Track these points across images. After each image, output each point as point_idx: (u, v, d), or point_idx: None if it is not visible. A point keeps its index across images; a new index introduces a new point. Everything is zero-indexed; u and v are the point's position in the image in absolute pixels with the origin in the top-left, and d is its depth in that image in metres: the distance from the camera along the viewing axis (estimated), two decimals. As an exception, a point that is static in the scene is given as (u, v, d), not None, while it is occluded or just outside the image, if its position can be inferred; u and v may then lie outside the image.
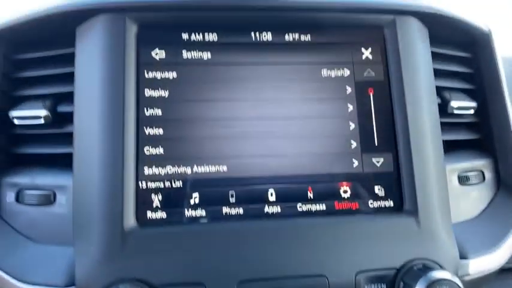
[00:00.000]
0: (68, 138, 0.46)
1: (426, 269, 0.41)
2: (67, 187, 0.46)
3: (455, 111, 0.56)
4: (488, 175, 0.57)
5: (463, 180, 0.54)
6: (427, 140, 0.47)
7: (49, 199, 0.46)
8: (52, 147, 0.49)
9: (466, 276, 0.46)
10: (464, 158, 0.57)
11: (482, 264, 0.47)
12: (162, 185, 0.43)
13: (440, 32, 0.55)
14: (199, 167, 0.44)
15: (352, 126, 0.47)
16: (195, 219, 0.43)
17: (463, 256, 0.46)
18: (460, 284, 0.38)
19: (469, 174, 0.55)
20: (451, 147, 0.56)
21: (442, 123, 0.51)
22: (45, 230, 0.46)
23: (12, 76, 0.51)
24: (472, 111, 0.58)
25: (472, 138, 0.59)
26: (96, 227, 0.41)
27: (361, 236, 0.43)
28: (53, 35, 0.50)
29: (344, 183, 0.46)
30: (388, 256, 0.43)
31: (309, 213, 0.45)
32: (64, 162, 0.48)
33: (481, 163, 0.57)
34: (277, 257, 0.42)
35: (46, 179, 0.47)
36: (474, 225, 0.53)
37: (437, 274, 0.39)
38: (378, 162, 0.47)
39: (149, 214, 0.43)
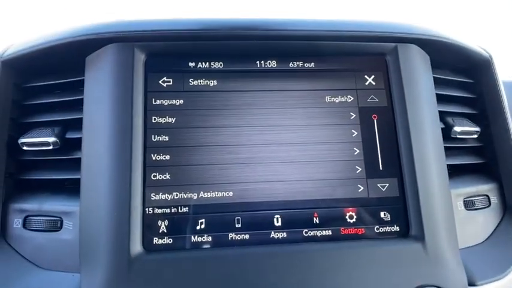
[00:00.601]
0: (75, 165, 0.47)
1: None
2: (74, 213, 0.46)
3: (459, 136, 0.56)
4: (494, 199, 0.57)
5: (468, 205, 0.54)
6: (431, 164, 0.47)
7: (56, 225, 0.47)
8: (60, 173, 0.49)
9: (474, 304, 0.46)
10: (469, 182, 0.57)
11: (491, 291, 0.47)
12: (168, 211, 0.44)
13: (441, 58, 0.56)
14: (205, 193, 0.44)
15: (357, 151, 0.47)
16: (200, 245, 0.43)
17: (471, 283, 0.46)
18: None
19: (475, 199, 0.55)
20: (455, 172, 0.56)
21: (446, 148, 0.51)
22: (51, 256, 0.46)
23: (22, 103, 0.52)
24: (475, 136, 0.58)
25: (477, 162, 0.59)
26: (103, 252, 0.41)
27: (367, 262, 0.43)
28: (62, 63, 0.52)
29: (350, 208, 0.46)
30: (396, 283, 0.42)
31: (314, 239, 0.45)
32: (71, 188, 0.49)
33: (486, 187, 0.57)
34: (283, 283, 0.41)
35: (53, 205, 0.48)
36: (481, 251, 0.52)
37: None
38: (383, 187, 0.47)
39: (155, 240, 0.43)
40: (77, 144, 0.48)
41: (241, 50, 0.49)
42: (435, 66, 0.55)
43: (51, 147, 0.49)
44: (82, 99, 0.48)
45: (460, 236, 0.48)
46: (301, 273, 0.42)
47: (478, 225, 0.54)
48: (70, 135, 0.50)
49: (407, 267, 0.43)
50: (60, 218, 0.47)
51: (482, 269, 0.48)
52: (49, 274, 0.45)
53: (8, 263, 0.46)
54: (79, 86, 0.50)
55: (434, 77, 0.54)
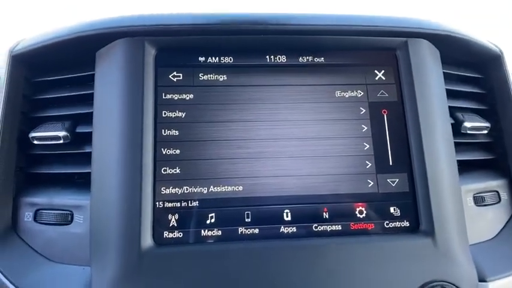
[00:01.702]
0: (86, 159, 0.47)
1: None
2: (84, 207, 0.46)
3: (469, 132, 0.56)
4: (504, 195, 0.56)
5: (478, 201, 0.54)
6: (441, 159, 0.47)
7: (66, 219, 0.47)
8: (70, 167, 0.50)
9: (484, 300, 0.45)
10: (479, 178, 0.56)
11: (501, 287, 0.46)
12: (178, 205, 0.44)
13: (452, 53, 0.56)
14: (215, 187, 0.44)
15: (367, 146, 0.47)
16: (210, 239, 0.43)
17: (481, 279, 0.46)
18: None
19: (485, 195, 0.55)
20: (465, 168, 0.56)
21: (456, 144, 0.51)
22: (62, 249, 0.47)
23: (33, 98, 0.53)
24: (485, 132, 0.58)
25: (486, 158, 0.59)
26: (114, 246, 0.41)
27: (376, 256, 0.43)
28: (72, 58, 0.52)
29: (359, 203, 0.46)
30: (406, 278, 0.42)
31: (324, 234, 0.45)
32: (82, 183, 0.49)
33: (496, 183, 0.57)
34: (292, 277, 0.41)
35: (64, 198, 0.48)
36: (491, 247, 0.52)
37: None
38: (393, 182, 0.47)
39: (166, 234, 0.43)
40: (87, 138, 0.48)
41: (251, 45, 0.49)
42: (445, 61, 0.55)
43: (61, 142, 0.49)
44: (92, 93, 0.48)
45: (469, 232, 0.48)
46: (310, 268, 0.42)
47: (488, 222, 0.54)
48: (80, 129, 0.50)
49: (417, 263, 0.43)
50: (70, 211, 0.47)
51: (493, 264, 0.48)
52: (60, 267, 0.46)
53: (19, 256, 0.46)
54: (89, 81, 0.50)
55: (444, 72, 0.54)
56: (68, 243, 0.46)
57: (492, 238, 0.54)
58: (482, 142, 0.59)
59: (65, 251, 0.46)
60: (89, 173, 0.46)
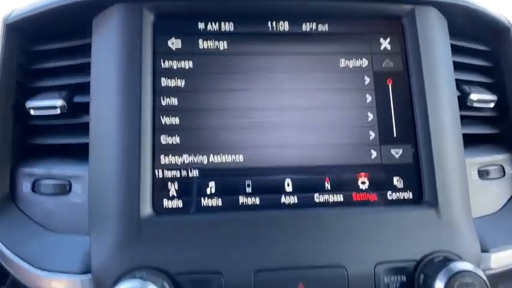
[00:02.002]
0: (84, 128, 0.46)
1: (447, 260, 0.39)
2: (83, 177, 0.46)
3: (475, 105, 0.54)
4: (509, 170, 0.55)
5: (483, 174, 0.53)
6: (447, 131, 0.46)
7: (65, 189, 0.46)
8: (68, 138, 0.49)
9: (487, 271, 0.45)
10: (484, 152, 0.55)
11: (504, 258, 0.46)
12: (178, 174, 0.43)
13: (459, 24, 0.54)
14: (215, 156, 0.44)
15: (371, 117, 0.46)
16: (211, 208, 0.43)
17: (484, 249, 0.45)
18: (483, 276, 0.37)
19: (489, 168, 0.54)
20: (470, 142, 0.55)
21: (462, 117, 0.50)
22: (61, 219, 0.46)
23: (29, 67, 0.52)
24: (491, 105, 0.57)
25: (492, 132, 0.58)
26: (113, 215, 0.41)
27: (379, 227, 0.42)
28: (69, 26, 0.50)
29: (362, 174, 0.45)
30: (408, 248, 0.42)
31: (326, 204, 0.44)
32: (80, 153, 0.48)
33: (501, 158, 0.56)
34: (294, 246, 0.41)
35: (62, 169, 0.47)
36: (495, 220, 0.51)
37: (460, 265, 0.38)
38: (396, 153, 0.46)
39: (165, 202, 0.42)
40: (85, 108, 0.47)
41: (252, 11, 0.47)
42: (452, 32, 0.53)
43: (59, 112, 0.48)
44: (89, 62, 0.47)
45: (473, 206, 0.47)
46: (313, 238, 0.41)
47: (492, 195, 0.53)
48: (78, 99, 0.49)
49: (420, 233, 0.42)
50: (69, 181, 0.46)
51: (496, 237, 0.47)
52: (60, 237, 0.45)
53: (19, 226, 0.46)
54: (86, 50, 0.49)
55: (451, 44, 0.52)
56: (66, 214, 0.46)
57: (496, 212, 0.53)
58: (487, 116, 0.58)
59: (64, 221, 0.46)
60: (87, 143, 0.45)
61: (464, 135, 0.50)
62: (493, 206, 0.53)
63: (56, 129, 0.50)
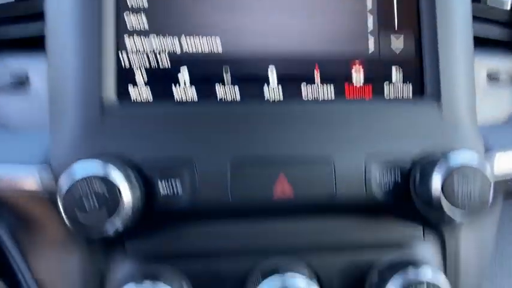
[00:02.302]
0: (40, 16, 0.40)
1: (447, 155, 0.35)
2: (41, 68, 0.40)
3: (489, 3, 0.48)
4: (518, 78, 0.50)
5: (492, 77, 0.48)
6: (455, 20, 0.40)
7: (22, 81, 0.41)
8: (24, 27, 0.43)
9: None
10: (495, 55, 0.50)
11: (508, 161, 0.42)
12: (145, 58, 0.37)
13: None
14: (187, 37, 0.38)
15: (369, 0, 0.40)
16: (183, 97, 0.38)
17: (487, 149, 0.41)
18: (488, 169, 0.33)
19: (499, 72, 0.49)
20: (481, 44, 0.49)
21: (474, 18, 0.44)
22: (19, 116, 0.42)
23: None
24: (508, 7, 0.50)
25: (503, 39, 0.52)
26: (73, 103, 0.36)
27: (374, 121, 0.38)
28: None
29: (356, 62, 0.39)
30: (404, 142, 0.37)
31: (314, 97, 0.39)
32: (38, 43, 0.42)
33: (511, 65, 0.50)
34: (276, 135, 0.36)
35: (18, 58, 0.42)
36: (501, 127, 0.47)
37: (460, 158, 0.33)
38: (397, 41, 0.40)
39: (131, 90, 0.37)
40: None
41: None
42: None
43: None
44: None
45: (479, 112, 0.42)
46: (297, 126, 0.37)
47: (500, 102, 0.49)
48: None
49: (420, 129, 0.38)
50: (25, 73, 0.41)
51: (501, 139, 0.43)
52: (18, 135, 0.41)
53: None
54: None
55: None
56: (24, 109, 0.41)
57: (503, 120, 0.48)
58: (500, 22, 0.52)
59: (22, 118, 0.41)
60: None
61: (475, 38, 0.44)
62: (500, 114, 0.49)
63: (12, 20, 0.44)
